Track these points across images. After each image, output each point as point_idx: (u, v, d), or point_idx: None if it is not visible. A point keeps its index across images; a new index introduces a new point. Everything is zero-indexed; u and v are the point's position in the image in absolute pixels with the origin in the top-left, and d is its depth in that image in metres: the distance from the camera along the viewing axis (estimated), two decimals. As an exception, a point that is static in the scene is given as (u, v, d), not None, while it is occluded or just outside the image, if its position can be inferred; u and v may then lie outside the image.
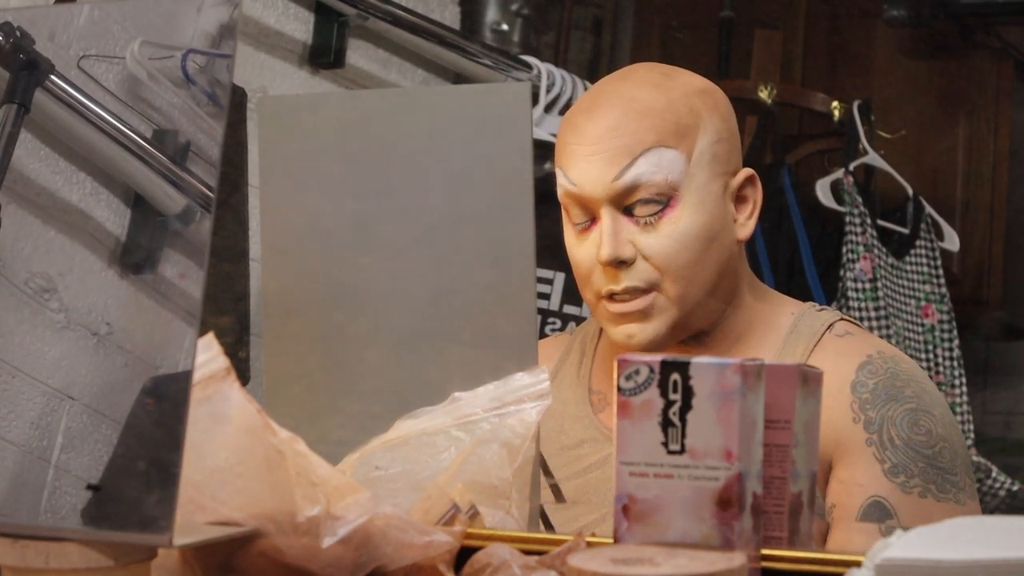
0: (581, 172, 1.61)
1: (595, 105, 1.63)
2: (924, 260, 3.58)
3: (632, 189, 1.59)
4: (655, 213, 1.59)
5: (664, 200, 1.59)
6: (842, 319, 1.67)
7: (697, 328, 1.65)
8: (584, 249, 1.63)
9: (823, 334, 1.64)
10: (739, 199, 1.65)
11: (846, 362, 1.61)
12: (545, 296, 2.96)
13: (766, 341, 1.65)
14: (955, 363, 3.56)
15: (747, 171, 1.66)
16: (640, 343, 1.61)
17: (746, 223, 1.66)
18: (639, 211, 1.60)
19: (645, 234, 1.60)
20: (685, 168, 1.60)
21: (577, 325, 2.93)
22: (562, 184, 1.63)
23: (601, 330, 1.75)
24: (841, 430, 1.56)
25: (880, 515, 1.54)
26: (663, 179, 1.59)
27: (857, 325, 1.68)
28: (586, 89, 3.19)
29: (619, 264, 1.59)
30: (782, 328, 1.66)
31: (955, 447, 1.60)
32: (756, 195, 1.66)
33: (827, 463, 1.56)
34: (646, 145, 1.59)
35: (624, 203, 1.60)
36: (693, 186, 1.60)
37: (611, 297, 1.61)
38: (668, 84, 1.63)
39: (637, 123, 1.60)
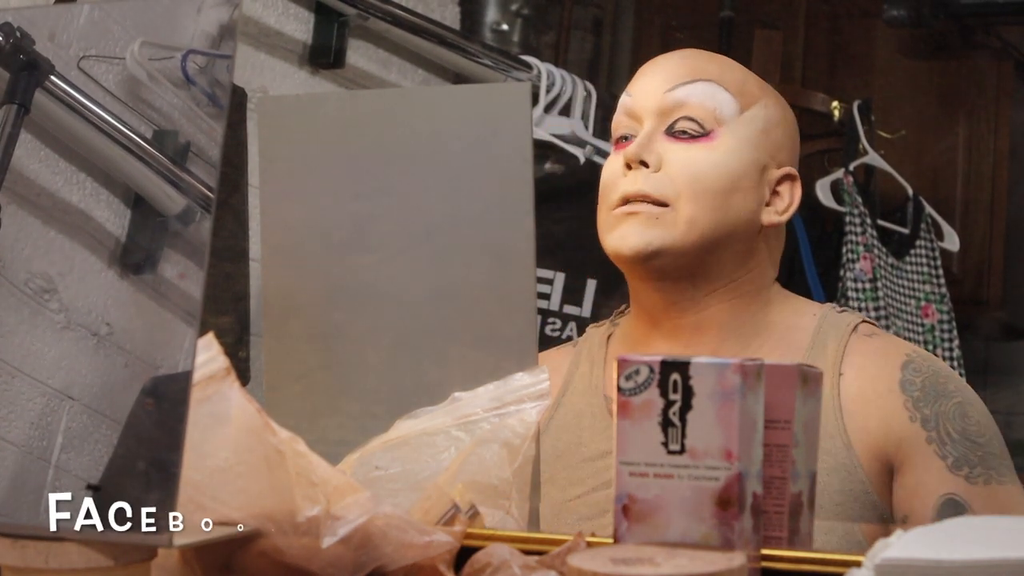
0: (640, 85, 1.67)
1: (675, 50, 1.71)
2: (924, 260, 3.58)
3: (679, 104, 1.63)
4: (693, 137, 1.62)
5: (704, 130, 1.62)
6: (864, 321, 1.67)
7: (691, 283, 1.63)
8: (615, 160, 1.65)
9: (850, 335, 1.64)
10: (774, 193, 1.66)
11: (888, 363, 1.61)
12: (545, 296, 2.96)
13: (791, 340, 1.64)
14: (955, 363, 3.56)
15: (788, 168, 1.67)
16: (634, 246, 1.59)
17: (773, 214, 1.65)
18: (679, 127, 1.62)
19: (676, 150, 1.62)
20: (735, 116, 1.63)
21: (577, 325, 2.93)
22: (621, 102, 1.68)
23: (610, 336, 1.73)
24: (901, 430, 1.57)
25: (955, 511, 1.54)
26: (712, 107, 1.63)
27: (875, 325, 1.68)
28: (586, 89, 3.20)
29: (640, 164, 1.61)
30: (806, 328, 1.65)
31: (996, 432, 1.62)
32: (793, 193, 1.67)
33: (887, 464, 1.57)
34: (708, 76, 1.65)
35: (668, 119, 1.63)
36: (736, 136, 1.63)
37: (621, 203, 1.62)
38: (747, 69, 1.70)
39: (707, 61, 1.67)
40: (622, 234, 1.60)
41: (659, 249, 1.59)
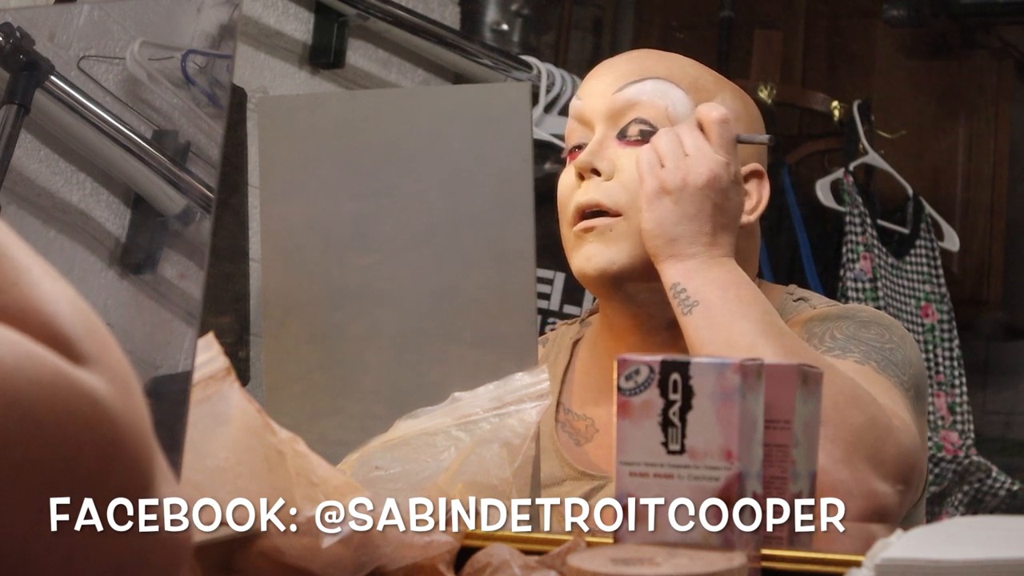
0: (589, 88, 1.60)
1: (627, 52, 1.66)
2: (924, 260, 3.58)
3: (630, 105, 1.55)
4: (646, 140, 1.53)
5: (656, 131, 1.53)
6: (800, 298, 1.60)
7: (657, 301, 1.52)
8: (569, 172, 1.58)
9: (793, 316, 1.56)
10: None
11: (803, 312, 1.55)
12: (545, 296, 2.96)
13: None
14: (955, 363, 3.56)
15: (754, 165, 1.57)
16: (598, 266, 1.52)
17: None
18: (631, 131, 1.55)
19: (629, 155, 1.53)
20: (689, 114, 1.54)
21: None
22: (572, 106, 1.61)
23: (577, 342, 1.67)
24: None
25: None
26: (663, 105, 1.55)
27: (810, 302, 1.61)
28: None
29: (592, 172, 1.54)
30: None
31: (912, 359, 1.50)
32: (761, 190, 1.58)
33: None
34: (657, 74, 1.57)
35: (619, 123, 1.56)
36: None
37: (578, 217, 1.54)
38: (703, 65, 1.62)
39: (657, 59, 1.60)
40: (586, 255, 1.53)
41: (623, 268, 1.52)
